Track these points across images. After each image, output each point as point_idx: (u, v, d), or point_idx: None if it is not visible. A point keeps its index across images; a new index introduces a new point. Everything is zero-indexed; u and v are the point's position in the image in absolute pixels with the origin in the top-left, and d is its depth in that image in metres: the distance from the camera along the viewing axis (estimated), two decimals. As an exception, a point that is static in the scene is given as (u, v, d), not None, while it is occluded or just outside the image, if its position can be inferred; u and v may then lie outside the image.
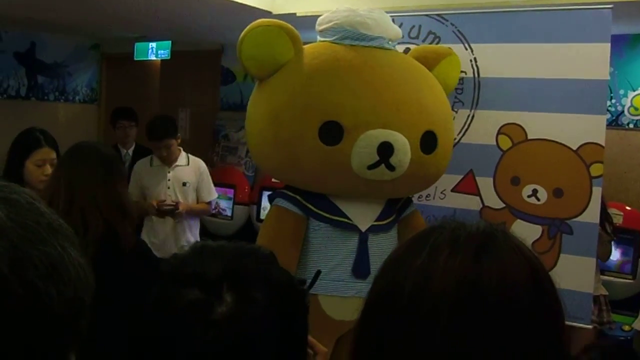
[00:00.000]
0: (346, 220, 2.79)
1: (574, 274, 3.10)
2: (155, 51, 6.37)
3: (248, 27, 2.70)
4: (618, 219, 4.16)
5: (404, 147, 2.64)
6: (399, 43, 3.16)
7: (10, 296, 0.47)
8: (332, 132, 2.62)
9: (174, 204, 4.15)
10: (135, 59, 6.53)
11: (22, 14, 5.50)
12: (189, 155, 4.40)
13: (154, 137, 4.24)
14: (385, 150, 2.61)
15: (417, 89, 2.80)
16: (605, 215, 3.73)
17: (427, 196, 3.49)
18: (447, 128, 2.89)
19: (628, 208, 4.38)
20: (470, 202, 3.40)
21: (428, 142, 2.75)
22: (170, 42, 6.24)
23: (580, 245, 3.15)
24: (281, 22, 2.74)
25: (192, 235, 4.40)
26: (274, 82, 2.77)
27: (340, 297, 2.74)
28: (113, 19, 5.46)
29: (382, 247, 2.82)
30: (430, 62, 3.00)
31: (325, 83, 2.68)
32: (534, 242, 3.21)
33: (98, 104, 7.41)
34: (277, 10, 4.40)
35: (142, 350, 0.82)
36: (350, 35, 2.78)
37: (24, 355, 0.47)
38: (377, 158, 2.62)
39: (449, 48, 3.26)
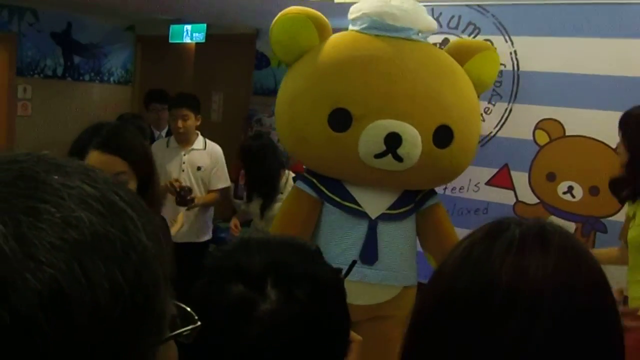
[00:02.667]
0: (356, 206, 2.83)
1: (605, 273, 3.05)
2: (190, 34, 6.38)
3: (279, 13, 2.78)
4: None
5: (413, 139, 2.63)
6: (437, 33, 3.12)
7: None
8: (340, 120, 2.67)
9: (188, 189, 4.01)
10: (170, 41, 6.55)
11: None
12: (206, 140, 4.33)
13: (172, 104, 4.19)
14: (393, 140, 2.62)
15: (436, 82, 2.76)
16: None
17: (460, 188, 3.46)
18: (467, 124, 2.84)
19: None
20: (504, 197, 3.36)
21: (442, 136, 2.72)
22: (205, 25, 6.24)
23: (614, 244, 3.10)
24: (310, 10, 2.79)
25: (207, 217, 4.35)
26: (296, 68, 2.86)
27: (346, 281, 2.75)
28: (149, 2, 5.48)
29: (392, 236, 2.85)
30: (462, 56, 2.94)
31: (339, 72, 2.72)
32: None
33: (132, 85, 7.46)
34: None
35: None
36: (377, 25, 2.79)
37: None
38: (384, 148, 2.63)
39: (487, 42, 3.21)
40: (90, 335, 0.45)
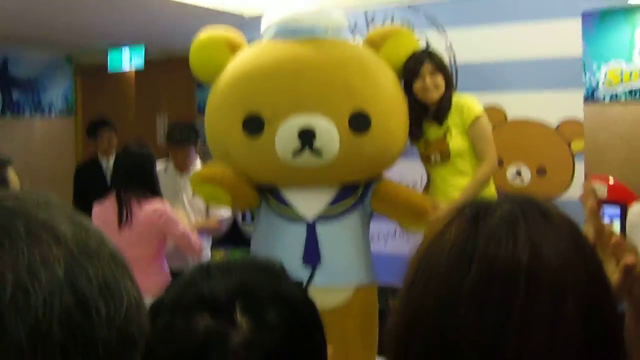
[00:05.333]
0: (291, 211, 2.85)
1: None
2: (129, 58, 6.30)
3: (194, 40, 2.93)
4: (602, 192, 4.15)
5: (326, 130, 2.66)
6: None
7: (60, 302, 0.46)
8: (254, 125, 2.72)
9: None
10: (109, 70, 6.46)
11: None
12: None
13: (174, 141, 4.04)
14: (306, 135, 2.65)
15: (342, 70, 2.80)
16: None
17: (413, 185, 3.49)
18: (384, 107, 2.83)
19: (611, 181, 4.36)
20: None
21: (359, 122, 2.73)
22: (143, 46, 6.16)
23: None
24: (221, 32, 2.93)
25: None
26: (214, 85, 2.95)
27: None
28: (84, 28, 5.41)
29: (334, 236, 2.86)
30: (376, 43, 2.99)
31: (247, 80, 2.80)
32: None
33: (74, 116, 7.34)
34: (248, 13, 4.40)
35: None
36: (282, 32, 2.88)
37: None
38: (300, 145, 2.65)
39: (399, 25, 3.31)
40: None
